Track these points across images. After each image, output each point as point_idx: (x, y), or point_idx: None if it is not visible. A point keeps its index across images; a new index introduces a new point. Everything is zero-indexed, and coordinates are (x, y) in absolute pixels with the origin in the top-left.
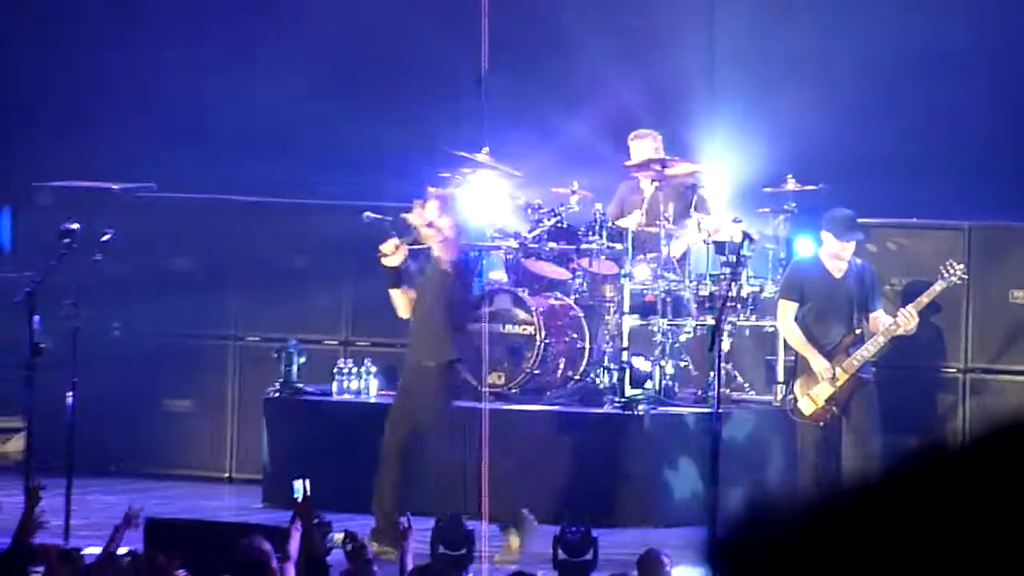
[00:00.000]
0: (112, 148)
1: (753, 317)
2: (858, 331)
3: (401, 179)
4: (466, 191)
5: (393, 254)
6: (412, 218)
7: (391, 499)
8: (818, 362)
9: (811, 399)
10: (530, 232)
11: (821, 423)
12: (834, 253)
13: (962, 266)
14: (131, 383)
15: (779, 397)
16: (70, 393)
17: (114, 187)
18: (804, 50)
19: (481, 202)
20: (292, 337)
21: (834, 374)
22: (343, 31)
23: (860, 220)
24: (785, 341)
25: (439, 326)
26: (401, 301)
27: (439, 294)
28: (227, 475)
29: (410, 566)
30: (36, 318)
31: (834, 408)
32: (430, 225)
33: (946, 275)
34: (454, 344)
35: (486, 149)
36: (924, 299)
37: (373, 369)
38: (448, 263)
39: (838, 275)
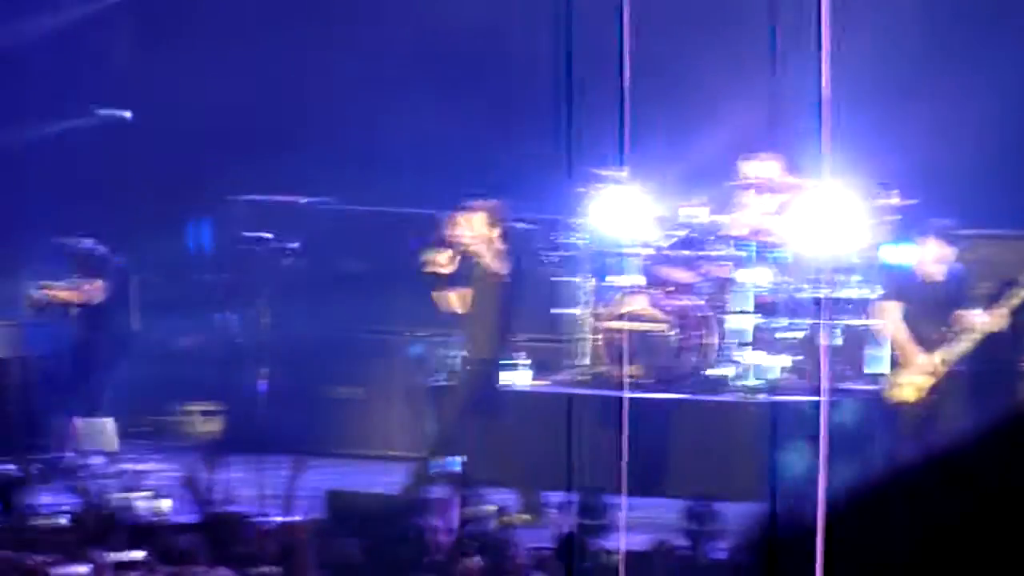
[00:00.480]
0: (295, 166)
1: (863, 316)
2: (954, 328)
3: (541, 192)
4: (605, 203)
5: (446, 265)
6: (461, 231)
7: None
8: (919, 356)
9: (914, 389)
10: (663, 240)
11: (917, 409)
12: (934, 259)
13: None
14: (309, 373)
15: (886, 388)
16: (261, 381)
17: (300, 200)
18: (909, 78)
19: (619, 214)
20: (449, 332)
21: (933, 367)
22: (485, 55)
23: (954, 230)
24: (890, 337)
25: (494, 330)
26: (459, 301)
27: (494, 302)
28: (392, 452)
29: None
30: (233, 316)
31: (933, 397)
32: (478, 238)
33: None
34: (506, 346)
35: (625, 168)
36: (1010, 304)
37: (527, 361)
38: (502, 274)
39: (937, 279)
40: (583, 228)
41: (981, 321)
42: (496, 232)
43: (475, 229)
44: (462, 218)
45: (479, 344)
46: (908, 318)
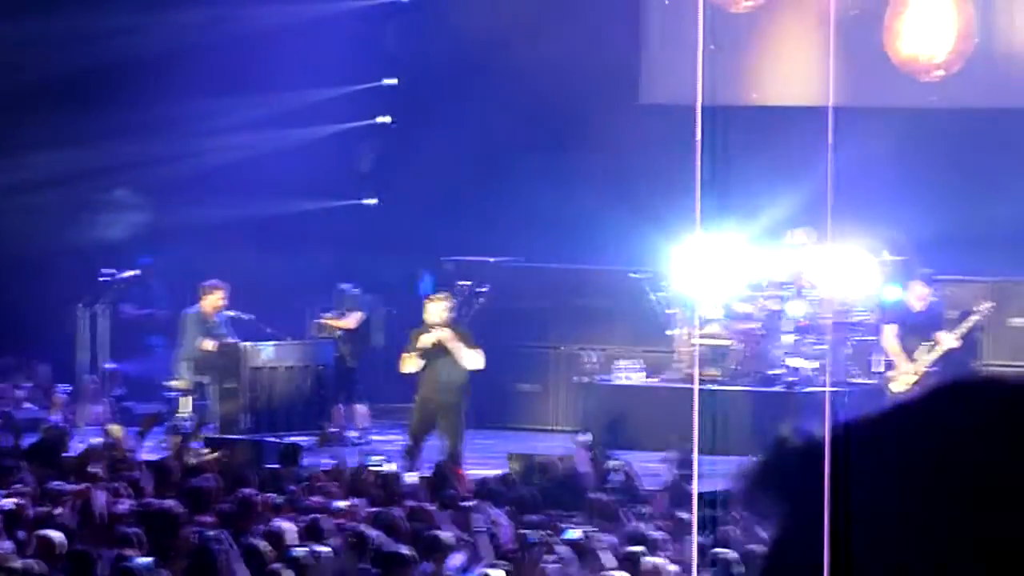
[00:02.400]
0: (487, 234)
1: (865, 334)
2: (931, 343)
3: (645, 254)
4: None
5: (432, 345)
6: (429, 313)
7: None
8: (904, 362)
9: (900, 383)
10: (731, 284)
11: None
12: (917, 295)
13: (990, 303)
14: (495, 374)
15: (884, 383)
16: None
17: (489, 259)
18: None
19: (703, 266)
20: (590, 346)
21: (915, 370)
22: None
23: (931, 276)
24: (885, 349)
25: (451, 380)
26: (411, 364)
27: (447, 364)
28: (553, 427)
29: None
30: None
31: (914, 390)
32: (443, 324)
33: (980, 310)
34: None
35: (702, 235)
36: (966, 326)
37: (637, 365)
38: (456, 346)
39: (918, 309)
40: (680, 276)
41: (947, 339)
42: (451, 315)
43: (443, 316)
44: (430, 304)
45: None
46: (900, 336)
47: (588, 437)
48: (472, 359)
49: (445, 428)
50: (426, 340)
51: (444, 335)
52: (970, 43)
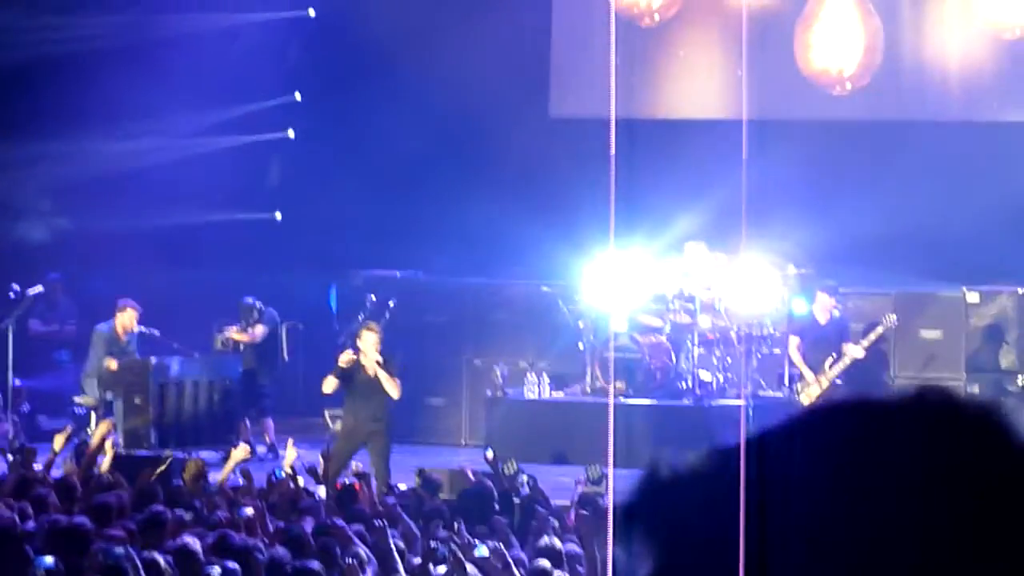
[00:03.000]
0: (395, 248)
1: (772, 347)
2: (834, 355)
3: (556, 267)
4: (602, 271)
5: (349, 363)
6: (364, 342)
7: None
8: (809, 374)
9: (807, 395)
10: (639, 298)
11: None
12: (823, 307)
13: (894, 317)
14: (404, 388)
15: (786, 394)
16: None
17: (397, 273)
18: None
19: (612, 281)
20: (500, 360)
21: (820, 381)
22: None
23: (842, 290)
24: (791, 360)
25: (374, 403)
26: (329, 386)
27: (369, 388)
28: (462, 441)
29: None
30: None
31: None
32: (367, 350)
33: (886, 323)
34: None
35: (613, 249)
36: (871, 337)
37: (547, 379)
38: (397, 389)
39: (823, 321)
40: (589, 290)
41: (852, 350)
42: (377, 345)
43: (365, 343)
44: (364, 332)
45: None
46: (807, 348)
47: (490, 453)
48: (392, 389)
49: (373, 453)
50: (345, 361)
51: (373, 365)
52: (877, 56)
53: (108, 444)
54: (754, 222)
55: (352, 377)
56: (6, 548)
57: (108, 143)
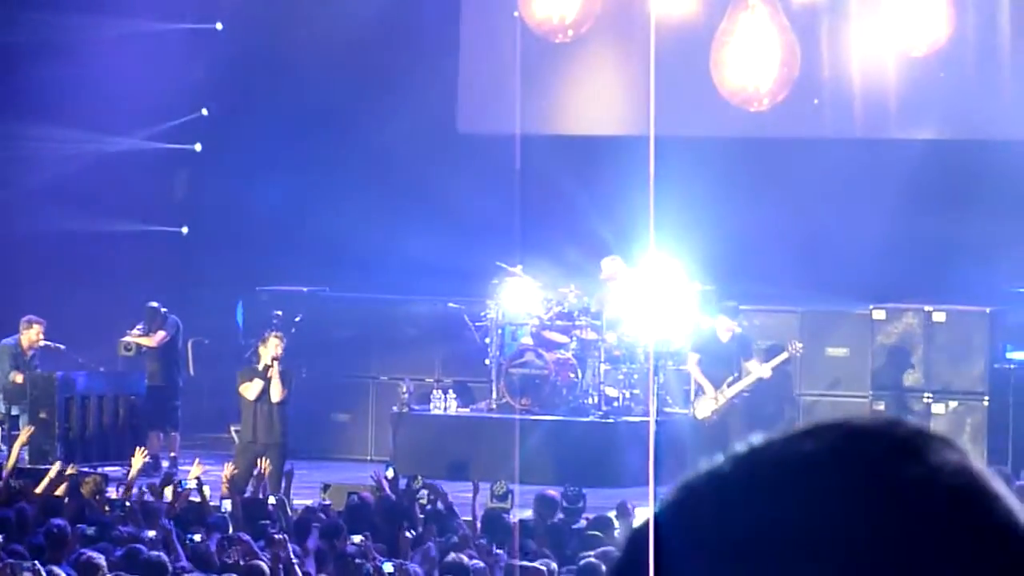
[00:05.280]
0: (301, 264)
1: (678, 364)
2: (736, 373)
3: (463, 284)
4: (509, 289)
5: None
6: (268, 348)
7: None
8: (710, 389)
9: (702, 409)
10: (545, 314)
11: (708, 423)
12: (724, 327)
13: (801, 344)
14: (311, 404)
15: (691, 410)
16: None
17: (303, 289)
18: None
19: (519, 296)
20: (406, 376)
21: (716, 397)
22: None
23: (748, 307)
24: (692, 375)
25: (278, 407)
26: (250, 391)
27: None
28: (368, 457)
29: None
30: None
31: (716, 416)
32: (273, 354)
33: (791, 350)
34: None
35: (520, 266)
36: (776, 362)
37: (453, 395)
38: (284, 393)
39: (725, 339)
40: (495, 306)
41: (756, 369)
42: (279, 350)
43: (271, 347)
44: (272, 336)
45: (261, 419)
46: (708, 365)
47: (390, 472)
48: (276, 392)
49: (269, 465)
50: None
51: (268, 361)
52: (793, 73)
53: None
54: (662, 239)
55: (260, 385)
56: None
57: (13, 155)
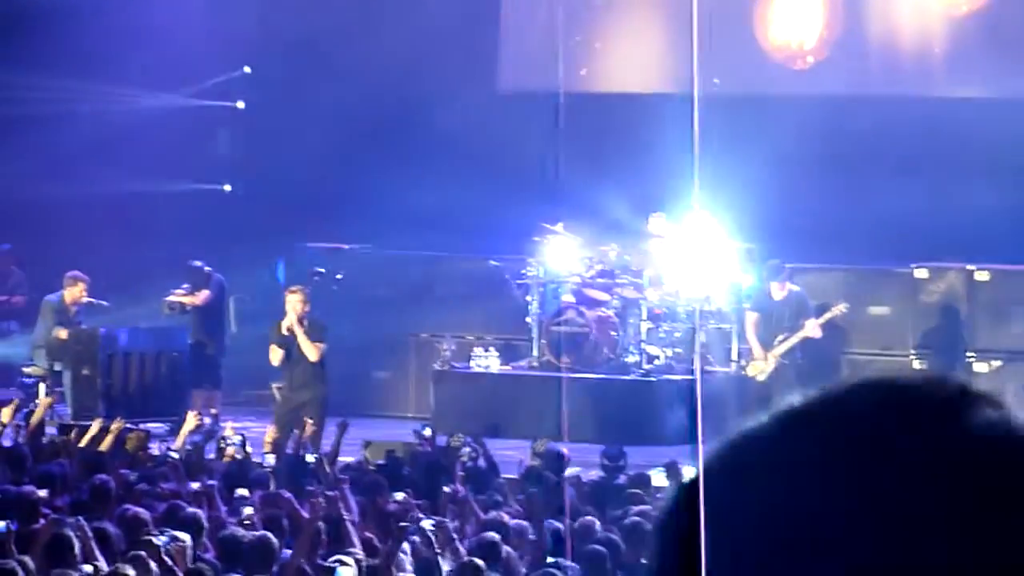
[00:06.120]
0: (343, 221)
1: (720, 322)
2: (786, 332)
3: (504, 242)
4: (551, 247)
5: (288, 329)
6: (287, 304)
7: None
8: (759, 351)
9: (754, 370)
10: (587, 271)
11: (759, 383)
12: (777, 284)
13: (846, 304)
14: (352, 361)
15: (734, 369)
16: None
17: (345, 246)
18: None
19: (560, 254)
20: (447, 334)
21: (766, 357)
22: (481, 153)
23: (791, 265)
24: (743, 335)
25: (307, 368)
26: (278, 355)
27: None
28: (409, 414)
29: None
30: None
31: (765, 377)
32: (296, 312)
33: (836, 311)
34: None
35: (561, 224)
36: (823, 319)
37: (495, 353)
38: (318, 349)
39: (778, 298)
40: (537, 264)
41: (809, 326)
42: (306, 307)
43: (288, 304)
44: (288, 294)
45: (298, 376)
46: (759, 324)
47: (428, 431)
48: (309, 351)
49: (310, 421)
50: (284, 328)
51: (290, 323)
52: (837, 30)
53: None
54: (704, 197)
55: (289, 346)
56: None
57: (57, 112)
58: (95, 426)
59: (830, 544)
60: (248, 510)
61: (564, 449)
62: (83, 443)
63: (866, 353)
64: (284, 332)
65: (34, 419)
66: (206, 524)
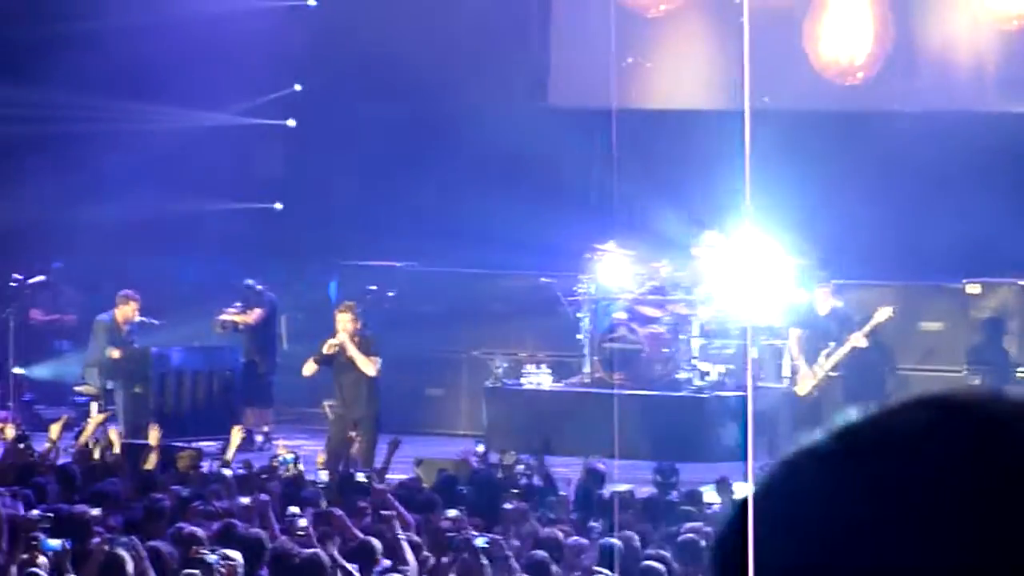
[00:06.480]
0: (394, 239)
1: (771, 338)
2: (832, 346)
3: (555, 259)
4: (604, 265)
5: (330, 352)
6: (338, 322)
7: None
8: (804, 366)
9: (803, 386)
10: (639, 288)
11: (808, 400)
12: (822, 300)
13: (891, 309)
14: (404, 379)
15: (785, 384)
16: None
17: (396, 264)
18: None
19: (612, 271)
20: (499, 352)
21: (815, 372)
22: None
23: (842, 282)
24: (791, 351)
25: (358, 385)
26: (311, 369)
27: (352, 372)
28: (461, 432)
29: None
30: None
31: (816, 392)
32: (348, 334)
33: (881, 316)
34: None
35: (613, 241)
36: (868, 328)
37: (546, 370)
38: (375, 363)
39: (823, 313)
40: (588, 281)
41: (852, 338)
42: (356, 324)
43: (339, 323)
44: (337, 314)
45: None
46: (805, 339)
47: (480, 448)
48: (366, 366)
49: (361, 438)
50: (328, 347)
51: (342, 341)
52: (888, 45)
53: (112, 433)
54: (756, 214)
55: (337, 363)
56: (14, 535)
57: (108, 131)
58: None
59: (888, 563)
60: (303, 522)
61: (600, 465)
62: (149, 464)
63: (917, 369)
64: (326, 351)
65: (84, 436)
66: (267, 544)
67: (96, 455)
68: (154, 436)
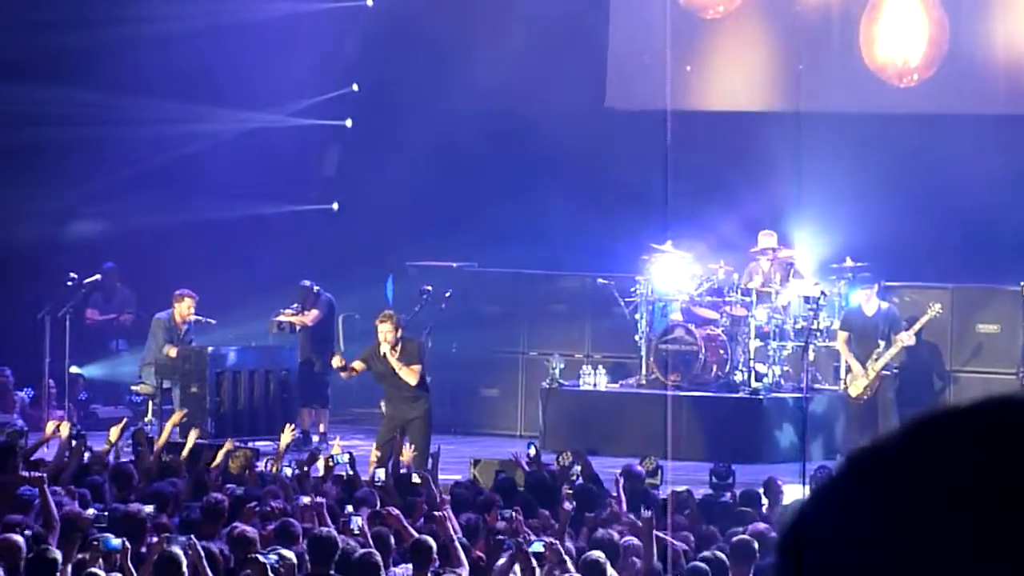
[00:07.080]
0: (450, 239)
1: (827, 340)
2: (881, 346)
3: (612, 259)
4: (659, 266)
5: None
6: (379, 333)
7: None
8: (857, 366)
9: (855, 388)
10: (695, 290)
11: (861, 402)
12: (868, 301)
13: (939, 305)
14: (461, 379)
15: (840, 387)
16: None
17: (453, 264)
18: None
19: (669, 272)
20: (556, 352)
21: (867, 373)
22: (590, 171)
23: (899, 284)
24: (841, 353)
25: (403, 388)
26: (339, 362)
27: (395, 375)
28: (518, 432)
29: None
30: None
31: (869, 392)
32: (387, 338)
33: (931, 312)
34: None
35: (669, 242)
36: (918, 326)
37: (603, 371)
38: (415, 372)
39: (870, 313)
40: (645, 282)
41: (904, 338)
42: (397, 332)
43: (385, 334)
44: (378, 323)
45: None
46: (855, 340)
47: (533, 450)
48: (407, 376)
49: (412, 440)
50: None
51: (385, 350)
52: (942, 48)
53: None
54: (812, 215)
55: (384, 368)
56: (71, 534)
57: (166, 132)
58: (227, 445)
59: (956, 561)
60: (357, 520)
61: (639, 467)
62: (215, 463)
63: (974, 370)
64: (357, 368)
65: (163, 436)
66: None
67: (165, 457)
68: (192, 436)
